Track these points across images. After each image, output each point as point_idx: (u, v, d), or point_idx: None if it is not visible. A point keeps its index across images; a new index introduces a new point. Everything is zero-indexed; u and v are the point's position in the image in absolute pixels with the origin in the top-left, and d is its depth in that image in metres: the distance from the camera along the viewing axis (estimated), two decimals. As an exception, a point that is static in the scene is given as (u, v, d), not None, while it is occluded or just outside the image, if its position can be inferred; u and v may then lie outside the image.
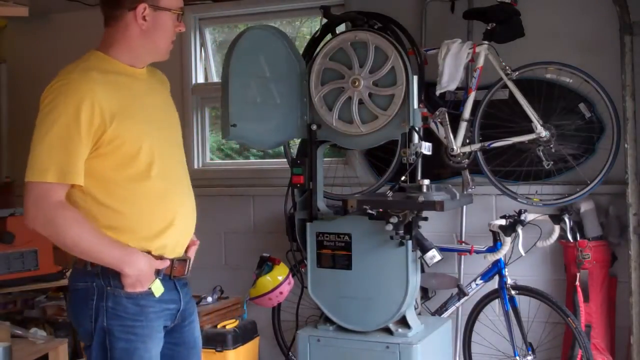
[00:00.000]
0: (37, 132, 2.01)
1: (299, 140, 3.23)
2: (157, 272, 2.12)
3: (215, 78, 4.86)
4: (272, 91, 2.92)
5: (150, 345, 2.10)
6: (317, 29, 3.49)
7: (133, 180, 2.08)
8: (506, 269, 3.53)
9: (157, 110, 2.21)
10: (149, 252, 2.10)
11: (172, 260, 2.16)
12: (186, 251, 2.25)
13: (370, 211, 2.89)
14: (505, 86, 3.57)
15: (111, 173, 2.06)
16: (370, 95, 2.92)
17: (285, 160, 3.86)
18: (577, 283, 3.58)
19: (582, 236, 3.64)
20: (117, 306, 2.06)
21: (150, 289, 2.09)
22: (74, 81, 2.03)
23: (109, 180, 2.06)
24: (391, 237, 2.85)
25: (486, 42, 3.57)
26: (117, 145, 2.04)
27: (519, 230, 3.47)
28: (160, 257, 2.13)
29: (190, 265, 2.26)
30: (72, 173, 1.99)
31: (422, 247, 2.97)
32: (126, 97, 2.10)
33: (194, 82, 4.70)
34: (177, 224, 2.15)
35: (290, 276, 3.34)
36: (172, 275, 2.17)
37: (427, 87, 3.64)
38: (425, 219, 2.95)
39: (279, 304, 3.87)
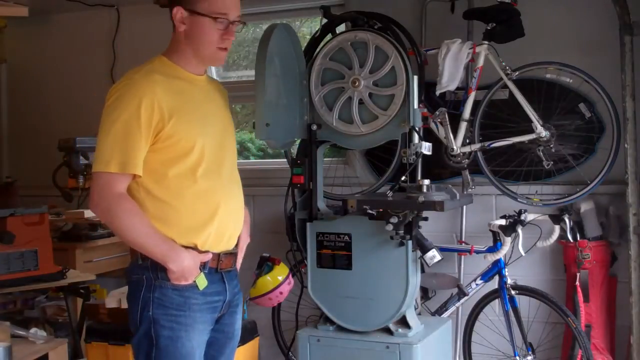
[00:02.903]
0: (102, 127, 2.15)
1: (299, 140, 3.23)
2: (203, 266, 2.22)
3: (214, 77, 4.85)
4: (282, 91, 2.92)
5: (192, 334, 2.21)
6: (317, 29, 3.49)
7: (180, 176, 2.19)
8: (506, 269, 3.53)
9: (212, 116, 2.32)
10: (195, 246, 2.21)
11: (218, 254, 2.27)
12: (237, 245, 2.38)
13: (370, 211, 2.89)
14: (505, 86, 3.57)
15: (162, 167, 2.18)
16: (370, 95, 2.92)
17: (285, 160, 3.86)
18: (577, 283, 3.58)
19: (582, 236, 3.64)
20: (163, 297, 2.18)
21: (195, 282, 2.20)
22: (137, 81, 2.17)
23: (160, 173, 2.19)
24: (391, 237, 2.85)
25: (486, 42, 3.57)
26: (173, 142, 2.17)
27: (519, 230, 3.47)
28: (205, 251, 2.23)
29: (240, 259, 2.41)
30: (132, 164, 2.13)
31: (422, 247, 2.97)
32: (184, 100, 2.22)
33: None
34: (218, 218, 2.25)
35: (290, 276, 3.33)
36: (218, 268, 2.28)
37: (427, 87, 3.64)
38: (426, 219, 2.95)
39: (279, 304, 3.87)
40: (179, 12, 2.21)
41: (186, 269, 2.16)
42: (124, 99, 2.14)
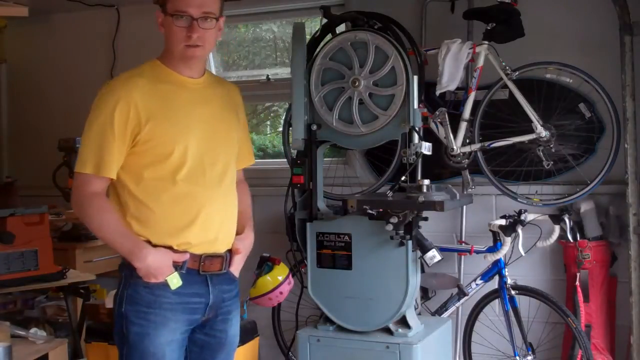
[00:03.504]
0: (84, 129, 2.22)
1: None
2: (180, 267, 2.22)
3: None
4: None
5: (161, 332, 2.21)
6: (317, 29, 3.49)
7: (160, 179, 2.22)
8: (506, 269, 3.53)
9: (203, 119, 2.30)
10: (170, 247, 2.22)
11: (200, 256, 2.26)
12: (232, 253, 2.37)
13: (370, 211, 2.89)
14: (505, 86, 3.57)
15: (143, 170, 2.21)
16: (370, 95, 2.92)
17: (285, 160, 3.85)
18: (577, 283, 3.58)
19: (582, 236, 3.64)
20: (135, 294, 2.22)
21: (166, 280, 2.20)
22: (116, 86, 2.22)
23: (141, 175, 2.22)
24: (391, 237, 2.85)
25: (486, 42, 3.58)
26: (152, 146, 2.20)
27: (519, 230, 3.47)
28: (183, 252, 2.23)
29: (233, 264, 2.37)
30: (105, 167, 2.18)
31: (422, 247, 2.97)
32: (167, 104, 2.23)
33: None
34: (200, 223, 2.25)
35: (290, 276, 3.34)
36: (200, 270, 2.26)
37: (427, 87, 3.63)
38: (426, 219, 2.95)
39: (279, 304, 3.87)
40: (159, 16, 2.26)
41: (151, 267, 2.17)
42: (102, 101, 2.20)
